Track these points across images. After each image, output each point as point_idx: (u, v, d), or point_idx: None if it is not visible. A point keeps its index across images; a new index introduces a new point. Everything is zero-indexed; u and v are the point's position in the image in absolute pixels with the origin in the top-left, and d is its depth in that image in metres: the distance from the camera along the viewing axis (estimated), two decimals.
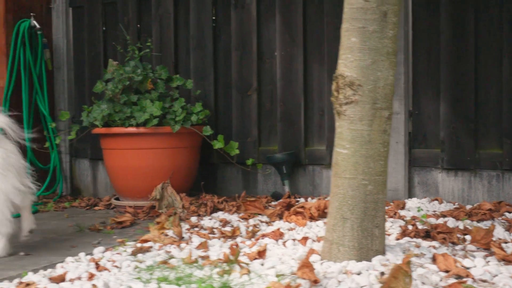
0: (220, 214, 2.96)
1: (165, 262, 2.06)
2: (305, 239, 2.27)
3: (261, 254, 2.06)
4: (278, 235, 2.36)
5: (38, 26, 3.98)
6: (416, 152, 3.13)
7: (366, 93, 1.95)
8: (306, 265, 1.78)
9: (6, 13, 3.97)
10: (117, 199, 3.44)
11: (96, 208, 3.54)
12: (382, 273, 1.81)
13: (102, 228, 2.83)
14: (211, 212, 3.02)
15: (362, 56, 1.95)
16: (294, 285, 1.69)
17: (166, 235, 2.43)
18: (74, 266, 2.08)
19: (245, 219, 2.78)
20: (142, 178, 3.22)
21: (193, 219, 2.86)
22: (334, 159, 2.02)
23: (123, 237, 2.60)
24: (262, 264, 1.99)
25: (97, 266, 2.01)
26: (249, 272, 1.89)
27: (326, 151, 3.34)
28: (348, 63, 1.97)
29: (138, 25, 3.92)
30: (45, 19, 4.15)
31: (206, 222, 2.77)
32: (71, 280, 1.89)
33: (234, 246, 2.13)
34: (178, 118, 3.17)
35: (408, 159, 3.11)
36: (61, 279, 1.90)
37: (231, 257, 1.98)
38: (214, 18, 3.69)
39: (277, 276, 1.85)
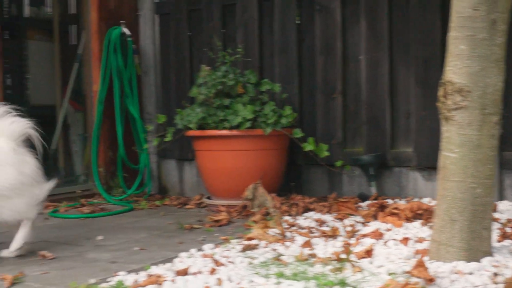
0: (312, 214, 3.06)
1: (277, 259, 2.18)
2: (405, 239, 2.35)
3: (368, 253, 2.15)
4: (378, 235, 2.44)
5: (129, 33, 4.19)
6: (506, 154, 3.15)
7: (475, 99, 2.01)
8: (420, 264, 1.86)
9: (99, 22, 4.20)
10: (209, 198, 3.60)
11: (187, 206, 3.71)
12: (495, 274, 1.87)
13: (200, 226, 2.98)
14: (303, 212, 3.12)
15: (471, 63, 2.01)
16: (412, 282, 1.77)
17: (268, 233, 2.55)
18: (191, 261, 2.23)
19: (340, 219, 2.88)
20: (234, 179, 3.36)
21: (288, 218, 2.97)
22: (441, 162, 2.08)
23: (224, 234, 2.73)
24: (370, 263, 2.09)
25: (216, 261, 2.15)
26: (361, 270, 1.99)
27: (412, 153, 3.39)
28: (457, 70, 2.03)
29: (223, 31, 4.07)
30: (133, 26, 4.36)
31: (302, 221, 2.88)
32: (194, 274, 2.03)
33: (346, 245, 2.22)
34: (270, 121, 3.30)
35: (499, 162, 3.13)
36: (184, 272, 2.04)
37: (342, 256, 2.08)
38: (298, 22, 3.80)
39: (389, 274, 1.94)
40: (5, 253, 2.41)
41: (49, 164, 4.71)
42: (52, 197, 3.90)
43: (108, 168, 4.17)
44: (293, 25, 3.79)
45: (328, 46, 3.68)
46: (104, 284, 1.97)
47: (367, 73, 3.56)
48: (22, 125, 2.39)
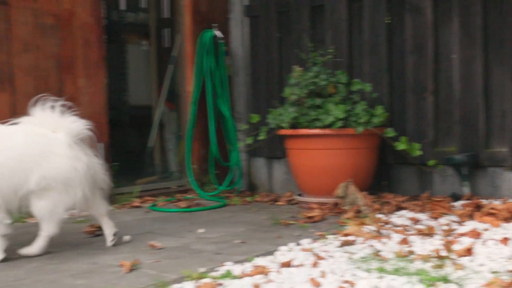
0: (405, 213, 3.08)
1: (376, 254, 2.24)
2: (505, 239, 2.34)
3: (468, 251, 2.17)
4: (476, 235, 2.45)
5: (221, 35, 4.35)
6: None
7: None
8: None
9: (192, 25, 4.40)
10: (299, 195, 3.70)
11: (278, 203, 3.82)
12: None
13: (294, 222, 3.08)
14: (395, 211, 3.15)
15: None
16: None
17: (364, 230, 2.61)
18: (291, 254, 2.33)
19: (434, 218, 2.89)
20: (325, 177, 3.44)
21: (380, 216, 3.02)
22: None
23: (319, 230, 2.82)
24: (471, 261, 2.11)
25: (316, 255, 2.24)
26: (463, 267, 2.02)
27: (507, 153, 3.34)
28: None
29: (311, 32, 4.15)
30: (224, 28, 4.52)
31: (395, 219, 2.92)
32: (297, 266, 2.13)
33: (447, 243, 2.25)
34: (361, 120, 3.35)
35: None
36: (288, 264, 2.14)
37: (442, 253, 2.12)
38: (388, 22, 3.82)
39: (492, 273, 1.96)
40: (25, 251, 2.50)
41: (146, 161, 4.98)
42: (150, 192, 4.15)
43: (201, 165, 4.36)
44: (383, 25, 3.82)
45: (419, 45, 3.68)
46: (213, 273, 2.10)
47: (460, 71, 3.53)
48: (80, 125, 2.53)
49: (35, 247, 2.47)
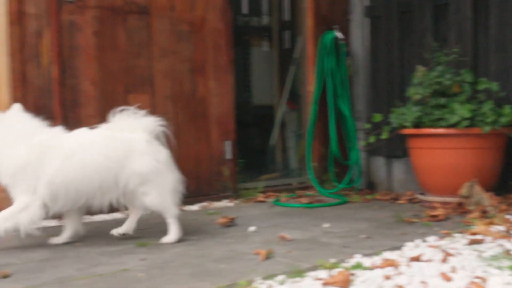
0: None
1: (508, 253, 2.25)
2: None
3: None
4: None
5: (342, 36, 4.45)
6: None
7: None
8: None
9: (314, 27, 4.54)
10: (421, 194, 3.71)
11: (399, 201, 3.86)
12: None
13: (418, 220, 3.12)
14: None
15: None
16: None
17: (492, 230, 2.61)
18: (419, 250, 2.39)
19: None
20: (449, 176, 3.43)
21: (509, 217, 2.97)
22: None
23: (443, 229, 2.84)
24: None
25: (445, 252, 2.29)
26: None
27: None
28: None
29: (434, 31, 4.13)
30: (344, 29, 4.61)
31: None
32: (426, 261, 2.20)
33: None
34: (488, 119, 3.31)
35: None
36: (417, 259, 2.22)
37: None
38: None
39: None
40: (166, 239, 2.72)
41: (268, 158, 5.20)
42: (273, 188, 4.34)
43: (321, 163, 4.49)
44: (511, 22, 3.73)
45: None
46: (344, 264, 2.22)
47: None
48: (155, 123, 2.75)
49: (172, 234, 2.72)
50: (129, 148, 2.66)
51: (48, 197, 2.56)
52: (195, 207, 3.77)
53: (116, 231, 2.78)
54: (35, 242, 2.73)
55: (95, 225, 3.19)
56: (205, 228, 3.05)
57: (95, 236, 2.87)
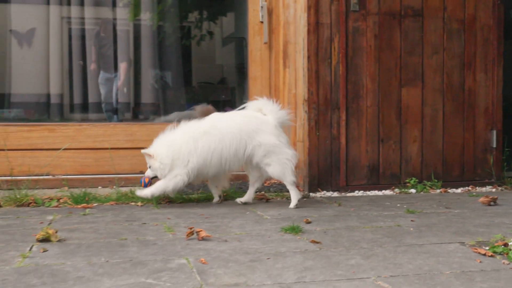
0: None
1: None
2: None
3: None
4: None
5: None
6: None
7: None
8: None
9: None
10: None
11: None
12: None
13: None
14: None
15: None
16: None
17: None
18: None
19: None
20: None
21: None
22: None
23: None
24: None
25: None
26: None
27: None
28: None
29: None
30: None
31: None
32: None
33: None
34: None
35: None
36: None
37: None
38: None
39: None
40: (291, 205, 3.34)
41: None
42: None
43: None
44: None
45: None
46: None
47: None
48: (284, 113, 3.38)
49: (294, 199, 3.33)
50: (259, 125, 3.34)
51: (201, 165, 3.29)
52: (458, 190, 4.13)
53: (239, 200, 3.46)
54: (321, 205, 3.48)
55: (370, 197, 3.82)
56: (467, 205, 3.42)
57: (369, 204, 3.50)
